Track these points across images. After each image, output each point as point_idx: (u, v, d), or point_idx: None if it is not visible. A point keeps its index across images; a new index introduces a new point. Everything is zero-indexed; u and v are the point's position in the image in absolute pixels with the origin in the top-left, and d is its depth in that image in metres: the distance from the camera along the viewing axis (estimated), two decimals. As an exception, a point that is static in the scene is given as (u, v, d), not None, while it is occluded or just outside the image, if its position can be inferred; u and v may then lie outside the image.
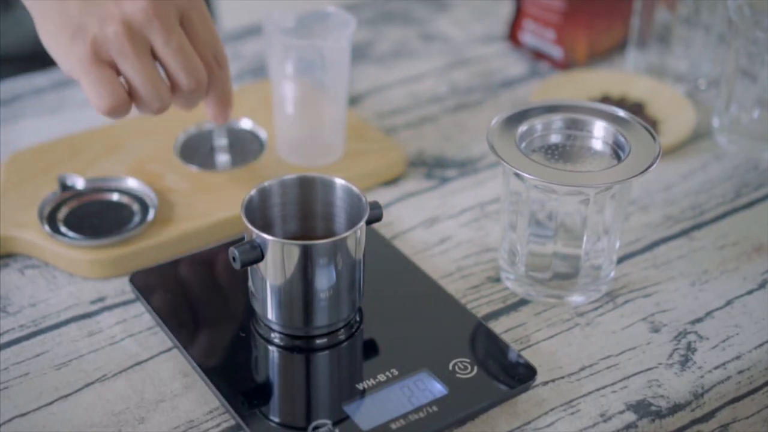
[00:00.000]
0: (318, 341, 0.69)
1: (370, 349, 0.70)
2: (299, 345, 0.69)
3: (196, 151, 0.87)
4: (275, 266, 0.66)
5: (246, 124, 0.90)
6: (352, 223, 0.69)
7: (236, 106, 0.94)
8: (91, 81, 0.69)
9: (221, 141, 0.87)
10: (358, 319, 0.71)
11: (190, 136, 0.89)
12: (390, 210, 0.85)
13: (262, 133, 0.89)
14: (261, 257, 0.66)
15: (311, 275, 0.66)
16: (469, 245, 0.81)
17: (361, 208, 0.68)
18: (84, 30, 0.69)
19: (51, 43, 0.71)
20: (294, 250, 0.65)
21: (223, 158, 0.86)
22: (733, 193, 0.87)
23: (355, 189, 0.69)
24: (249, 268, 0.68)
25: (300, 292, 0.67)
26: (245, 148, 0.88)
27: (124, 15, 0.69)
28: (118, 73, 0.71)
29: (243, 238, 0.69)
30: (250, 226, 0.66)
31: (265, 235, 0.65)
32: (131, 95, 0.71)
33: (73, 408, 0.66)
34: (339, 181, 0.70)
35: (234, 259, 0.66)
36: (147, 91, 0.71)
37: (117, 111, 0.71)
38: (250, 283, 0.69)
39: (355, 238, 0.67)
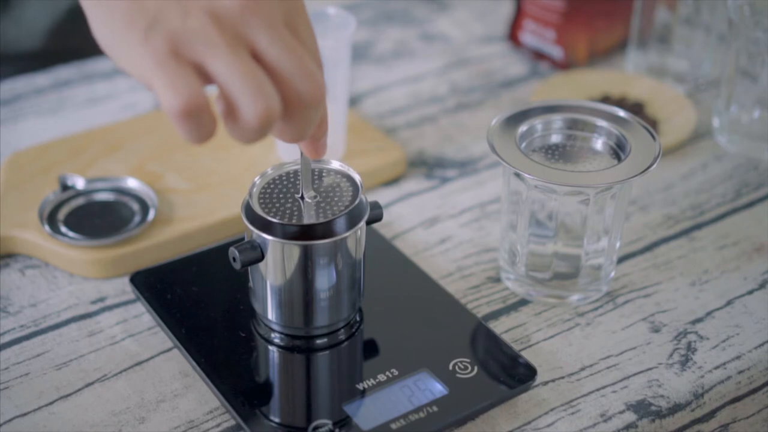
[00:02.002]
0: (318, 341, 0.69)
1: (370, 349, 0.70)
2: (299, 345, 0.69)
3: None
4: (275, 266, 0.66)
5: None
6: (352, 223, 0.69)
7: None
8: (167, 75, 0.53)
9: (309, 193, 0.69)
10: (358, 319, 0.71)
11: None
12: (390, 210, 0.85)
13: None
14: (261, 257, 0.66)
15: (311, 275, 0.66)
16: (470, 245, 0.81)
17: (361, 208, 0.68)
18: (162, 21, 0.54)
19: (116, 41, 0.56)
20: (294, 250, 0.65)
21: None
22: (733, 193, 0.87)
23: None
24: (249, 268, 0.68)
25: (300, 292, 0.67)
26: None
27: (214, 5, 0.54)
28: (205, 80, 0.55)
29: (243, 238, 0.68)
30: (250, 226, 0.66)
31: (266, 235, 0.65)
32: (224, 105, 0.55)
33: (73, 408, 0.67)
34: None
35: (234, 259, 0.66)
36: (247, 89, 0.53)
37: (196, 114, 0.53)
38: (250, 283, 0.69)
39: (356, 238, 0.67)
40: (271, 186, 0.67)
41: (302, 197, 0.66)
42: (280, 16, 0.56)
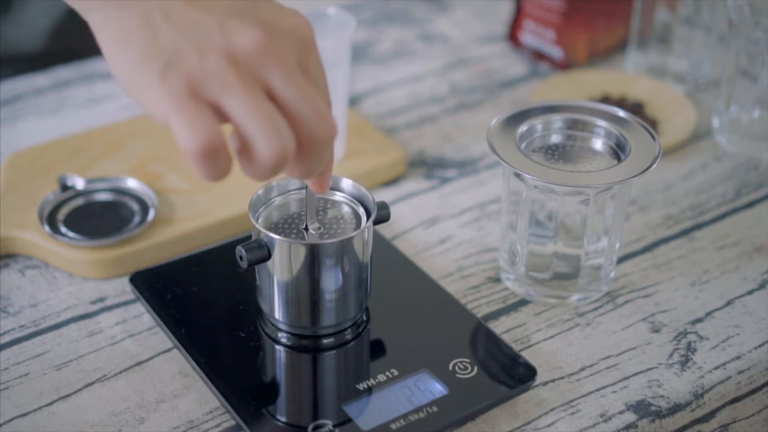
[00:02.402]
0: (324, 341, 0.69)
1: (376, 349, 0.70)
2: (305, 344, 0.69)
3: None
4: (282, 265, 0.66)
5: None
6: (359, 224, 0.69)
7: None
8: (185, 115, 0.53)
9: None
10: (365, 318, 0.71)
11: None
12: (390, 210, 0.84)
13: None
14: (268, 256, 0.66)
15: (318, 275, 0.66)
16: (470, 245, 0.81)
17: (368, 209, 0.68)
18: (179, 61, 0.54)
19: (132, 77, 0.56)
20: (301, 250, 0.65)
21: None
22: (733, 193, 0.87)
23: (362, 189, 0.69)
24: (256, 267, 0.68)
25: (307, 291, 0.67)
26: None
27: (231, 46, 0.55)
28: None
29: (248, 237, 0.69)
30: (257, 225, 0.66)
31: (273, 235, 0.65)
32: (239, 143, 0.55)
33: (73, 408, 0.67)
34: (346, 181, 0.70)
35: (241, 258, 0.66)
36: (263, 129, 0.54)
37: (213, 154, 0.53)
38: (257, 281, 0.69)
39: (363, 238, 0.67)
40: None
41: (306, 228, 0.67)
42: (294, 57, 0.57)
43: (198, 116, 0.53)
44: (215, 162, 0.54)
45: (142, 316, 0.74)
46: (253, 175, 0.56)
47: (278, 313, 0.68)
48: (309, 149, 0.56)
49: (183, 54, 0.54)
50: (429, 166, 0.90)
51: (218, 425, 0.65)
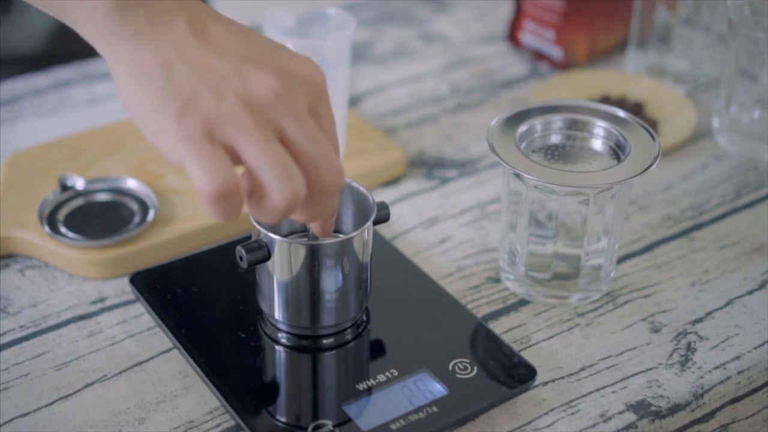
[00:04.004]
0: (324, 341, 0.69)
1: (376, 349, 0.70)
2: (305, 345, 0.69)
3: None
4: (282, 266, 0.66)
5: None
6: (359, 224, 0.69)
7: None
8: (202, 158, 0.54)
9: None
10: (365, 318, 0.71)
11: None
12: (390, 210, 0.84)
13: None
14: (268, 257, 0.66)
15: (318, 275, 0.66)
16: (469, 245, 0.81)
17: (368, 209, 0.68)
18: (195, 104, 0.55)
19: (148, 115, 0.57)
20: (301, 250, 0.65)
21: None
22: (733, 193, 0.87)
23: (362, 189, 0.69)
24: (256, 267, 0.68)
25: (307, 291, 0.67)
26: None
27: (247, 91, 0.56)
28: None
29: (248, 237, 0.69)
30: (257, 226, 0.66)
31: (273, 235, 0.65)
32: (251, 189, 0.57)
33: (73, 408, 0.67)
34: (346, 181, 0.70)
35: (241, 258, 0.66)
36: (277, 174, 0.55)
37: (228, 197, 0.55)
38: (257, 281, 0.69)
39: (362, 238, 0.67)
40: None
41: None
42: (306, 104, 0.58)
43: (214, 159, 0.54)
44: (229, 204, 0.55)
45: (142, 316, 0.74)
46: (261, 217, 0.57)
47: (278, 314, 0.68)
48: (317, 195, 0.58)
49: (200, 97, 0.55)
50: (429, 166, 0.90)
51: (218, 425, 0.65)
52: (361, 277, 0.68)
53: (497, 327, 0.73)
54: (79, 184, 0.82)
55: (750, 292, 0.77)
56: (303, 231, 0.72)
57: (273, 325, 0.70)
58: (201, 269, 0.76)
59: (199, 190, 0.55)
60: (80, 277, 0.77)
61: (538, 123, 0.74)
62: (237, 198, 0.55)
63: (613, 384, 0.69)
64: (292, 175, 0.55)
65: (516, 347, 0.71)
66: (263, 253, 0.66)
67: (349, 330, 0.70)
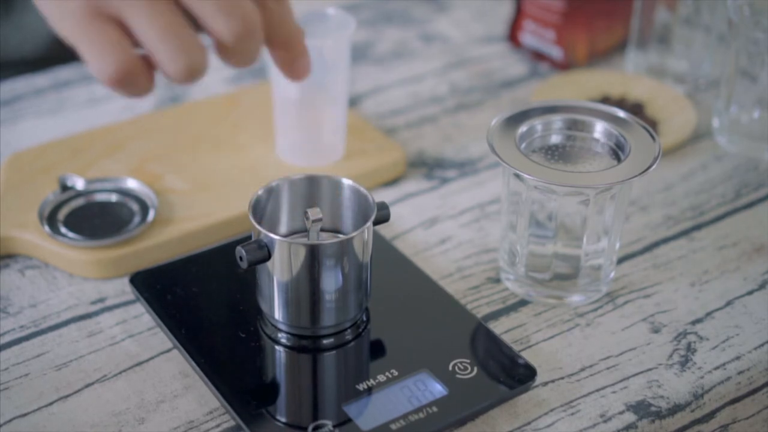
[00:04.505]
0: (325, 341, 0.69)
1: (376, 349, 0.70)
2: (305, 345, 0.69)
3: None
4: (282, 266, 0.66)
5: None
6: (359, 224, 0.69)
7: (236, 109, 0.94)
8: (90, 40, 0.50)
9: None
10: (365, 319, 0.71)
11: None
12: (390, 210, 0.84)
13: None
14: (268, 257, 0.66)
15: (318, 275, 0.66)
16: (469, 245, 0.81)
17: (368, 209, 0.68)
18: None
19: (44, 3, 0.53)
20: (301, 250, 0.65)
21: None
22: (733, 193, 0.87)
23: (362, 189, 0.69)
24: (256, 267, 0.68)
25: (307, 291, 0.67)
26: None
27: None
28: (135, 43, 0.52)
29: (248, 238, 0.69)
30: (257, 226, 0.66)
31: (273, 235, 0.65)
32: (151, 61, 0.52)
33: (73, 408, 0.67)
34: (346, 182, 0.70)
35: (241, 258, 0.66)
36: (168, 42, 0.50)
37: (128, 78, 0.51)
38: (257, 282, 0.69)
39: (362, 238, 0.67)
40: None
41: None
42: None
43: (104, 40, 0.50)
44: (133, 84, 0.51)
45: (142, 316, 0.74)
46: (178, 82, 0.53)
47: (278, 314, 0.68)
48: (228, 45, 0.53)
49: None
50: (429, 167, 0.90)
51: (218, 425, 0.66)
52: (361, 277, 0.68)
53: (497, 327, 0.73)
54: (79, 184, 0.82)
55: (750, 293, 0.77)
56: (303, 231, 0.72)
57: (273, 325, 0.70)
58: (201, 269, 0.76)
59: (95, 76, 0.51)
60: (80, 277, 0.77)
61: (538, 123, 0.74)
62: (141, 76, 0.51)
63: (613, 384, 0.69)
64: (183, 37, 0.50)
65: (516, 347, 0.71)
66: (263, 253, 0.66)
67: (349, 330, 0.70)
